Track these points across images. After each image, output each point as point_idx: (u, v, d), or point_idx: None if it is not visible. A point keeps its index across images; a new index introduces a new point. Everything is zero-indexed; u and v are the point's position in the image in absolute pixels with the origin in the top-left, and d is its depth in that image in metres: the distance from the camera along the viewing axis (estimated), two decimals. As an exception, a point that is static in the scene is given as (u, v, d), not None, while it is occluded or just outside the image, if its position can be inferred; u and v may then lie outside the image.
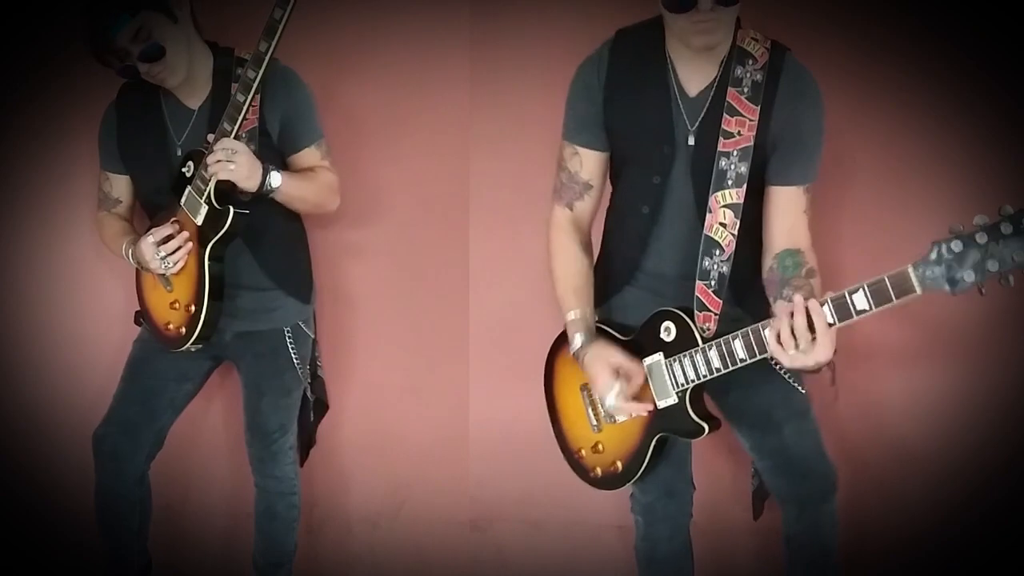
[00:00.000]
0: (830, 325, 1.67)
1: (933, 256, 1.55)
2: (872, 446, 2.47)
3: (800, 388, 2.05)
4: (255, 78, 2.05)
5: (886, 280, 1.60)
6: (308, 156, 2.32)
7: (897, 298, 1.59)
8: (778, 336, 1.71)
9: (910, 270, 1.57)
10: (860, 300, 1.63)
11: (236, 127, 2.10)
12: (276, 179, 2.18)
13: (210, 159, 2.11)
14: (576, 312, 2.02)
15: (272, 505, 2.50)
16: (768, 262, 1.93)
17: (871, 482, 2.47)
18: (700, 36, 1.82)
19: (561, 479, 2.17)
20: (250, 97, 2.07)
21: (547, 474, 2.21)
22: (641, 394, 1.97)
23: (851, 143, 2.36)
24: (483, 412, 2.71)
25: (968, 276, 1.52)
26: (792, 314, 1.69)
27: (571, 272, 2.06)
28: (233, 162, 2.10)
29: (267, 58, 2.02)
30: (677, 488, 2.15)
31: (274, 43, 2.01)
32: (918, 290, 1.57)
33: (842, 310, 1.66)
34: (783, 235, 1.92)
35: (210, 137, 2.16)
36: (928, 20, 2.31)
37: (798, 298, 1.69)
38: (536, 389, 2.19)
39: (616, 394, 1.94)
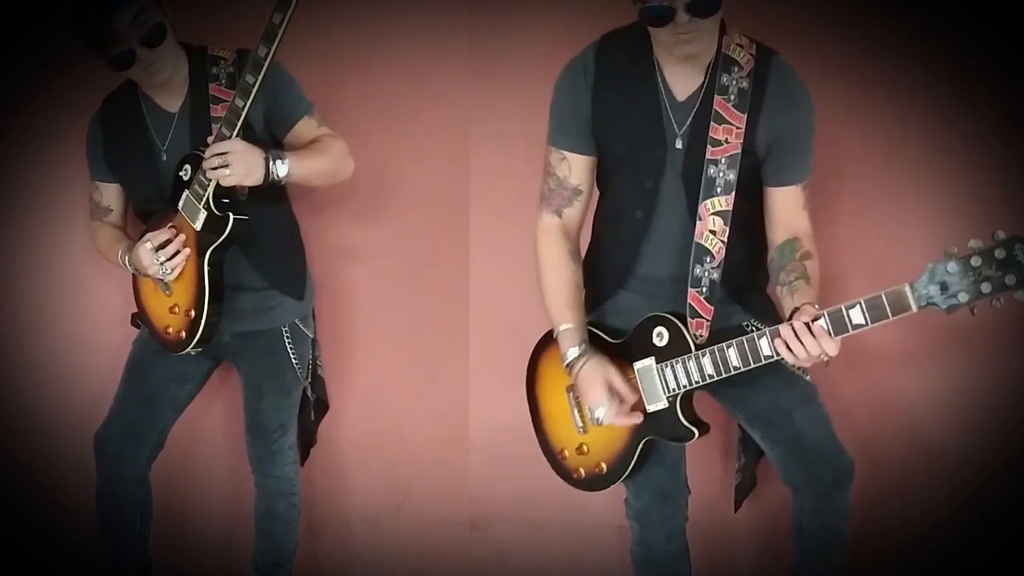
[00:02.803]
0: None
1: (929, 277, 1.62)
2: (871, 445, 2.47)
3: (805, 376, 2.06)
4: (254, 83, 2.03)
5: (883, 297, 1.66)
6: (305, 128, 2.29)
7: (893, 315, 1.66)
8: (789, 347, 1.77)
9: (907, 289, 1.64)
10: (857, 315, 1.69)
11: (235, 132, 2.09)
12: (283, 168, 2.13)
13: (206, 165, 2.09)
14: (569, 324, 2.02)
15: (272, 505, 2.50)
16: (770, 255, 1.98)
17: (872, 481, 2.46)
18: (680, 47, 1.84)
19: (561, 479, 2.16)
20: (249, 102, 2.06)
21: (547, 474, 2.21)
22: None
23: (850, 143, 2.36)
24: (483, 412, 2.71)
25: (962, 297, 1.60)
26: (797, 340, 1.74)
27: (561, 283, 2.06)
28: (228, 164, 2.07)
29: (267, 63, 2.00)
30: (671, 492, 2.15)
31: (274, 48, 1.99)
32: (914, 308, 1.64)
33: (838, 324, 1.71)
34: (784, 230, 1.97)
35: (210, 139, 2.15)
36: (928, 20, 2.30)
37: (798, 325, 1.73)
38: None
39: (606, 411, 1.95)
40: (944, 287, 1.61)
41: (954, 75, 2.31)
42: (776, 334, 1.78)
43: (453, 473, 2.74)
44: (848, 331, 1.70)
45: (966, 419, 2.40)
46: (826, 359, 1.75)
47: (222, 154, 2.07)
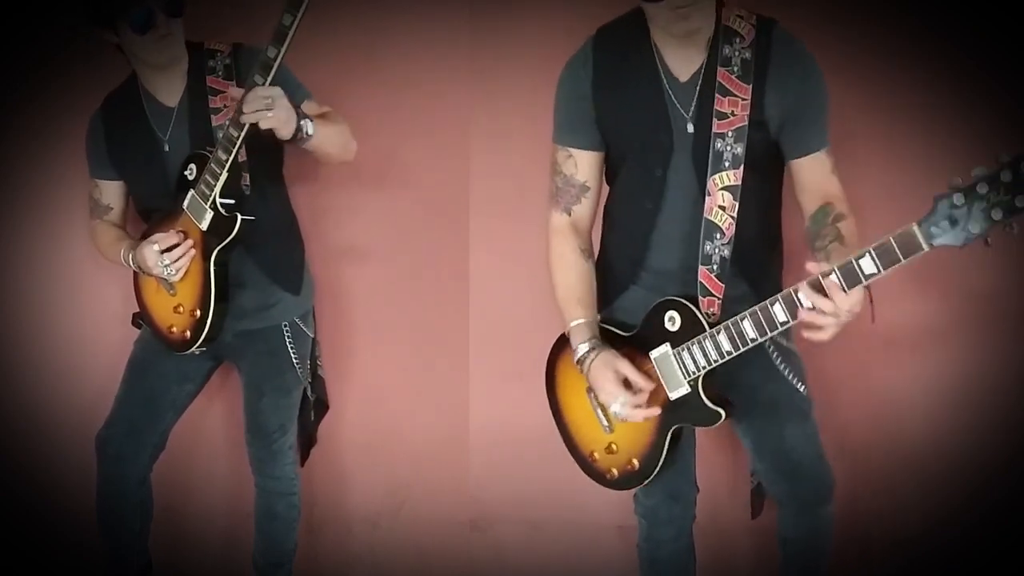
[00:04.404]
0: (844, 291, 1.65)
1: (937, 212, 1.53)
2: (872, 445, 2.47)
3: (801, 388, 2.04)
4: (264, 84, 2.02)
5: (892, 241, 1.58)
6: (308, 109, 2.25)
7: (904, 258, 1.57)
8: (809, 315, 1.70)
9: (915, 228, 1.55)
10: (868, 265, 1.61)
11: (243, 132, 2.07)
12: (311, 127, 2.12)
13: (246, 107, 2.03)
14: (579, 320, 2.00)
15: (272, 505, 2.50)
16: (806, 225, 1.92)
17: (870, 481, 2.47)
18: (679, 23, 1.81)
19: (561, 479, 2.17)
20: None
21: (547, 474, 2.22)
22: (652, 391, 1.94)
23: (853, 142, 2.35)
24: (483, 412, 2.71)
25: (973, 227, 1.50)
26: (812, 306, 1.67)
27: (572, 280, 2.03)
28: (272, 108, 2.02)
29: (276, 64, 1.99)
30: (681, 491, 2.14)
31: (283, 49, 1.98)
32: (925, 247, 1.55)
33: (850, 276, 1.63)
34: (816, 198, 1.91)
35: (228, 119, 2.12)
36: (928, 20, 2.31)
37: (804, 293, 1.68)
38: (536, 389, 2.18)
39: (622, 404, 1.92)
40: (954, 221, 1.50)
41: (954, 75, 2.31)
42: (789, 299, 1.71)
43: (453, 473, 2.74)
44: (862, 281, 1.61)
45: (967, 418, 2.40)
46: (848, 317, 1.66)
47: (270, 98, 2.02)
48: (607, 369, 1.93)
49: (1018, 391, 2.37)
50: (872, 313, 1.70)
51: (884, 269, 1.60)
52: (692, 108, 1.90)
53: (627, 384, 1.93)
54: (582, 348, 1.98)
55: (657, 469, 2.01)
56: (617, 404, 1.93)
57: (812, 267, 1.68)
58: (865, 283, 1.62)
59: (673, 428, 1.97)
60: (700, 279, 1.92)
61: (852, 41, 2.34)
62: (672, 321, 1.92)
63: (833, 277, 1.64)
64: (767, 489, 2.13)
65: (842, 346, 1.73)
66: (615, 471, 2.06)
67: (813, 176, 1.92)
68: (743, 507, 2.38)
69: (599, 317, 2.06)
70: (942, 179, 2.31)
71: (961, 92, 2.31)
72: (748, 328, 1.80)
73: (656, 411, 1.93)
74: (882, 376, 2.46)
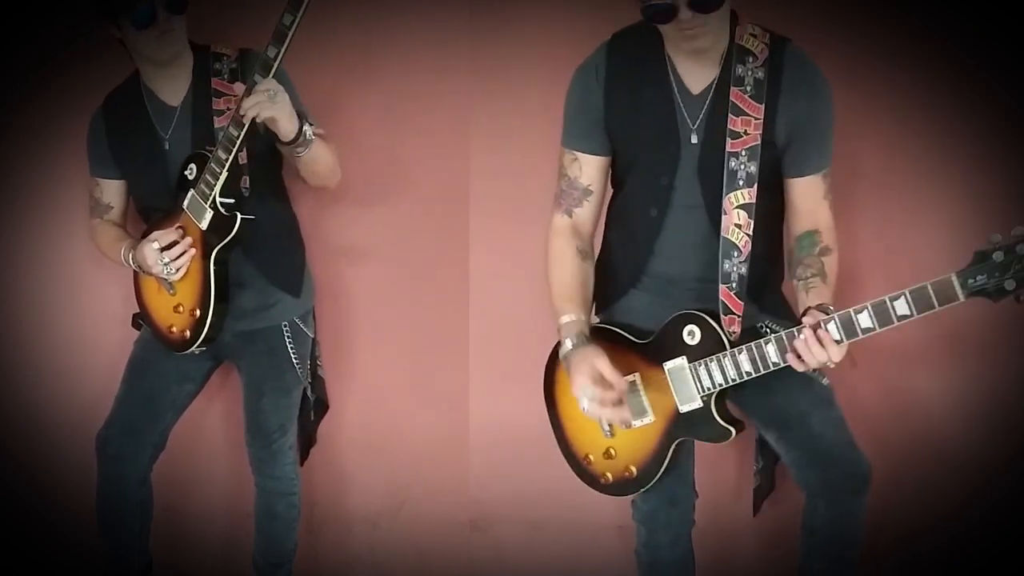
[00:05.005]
0: (868, 330, 1.72)
1: (976, 265, 1.61)
2: (872, 444, 2.46)
3: (822, 379, 2.03)
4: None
5: (929, 287, 1.65)
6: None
7: (940, 305, 1.65)
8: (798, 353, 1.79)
9: (954, 278, 1.63)
10: (902, 306, 1.68)
11: (243, 132, 2.07)
12: (311, 131, 2.12)
13: (248, 101, 2.02)
14: (569, 316, 2.00)
15: (272, 505, 2.51)
16: (790, 246, 1.97)
17: (884, 480, 2.46)
18: (687, 42, 1.84)
19: (561, 480, 2.16)
20: None
21: (547, 475, 2.21)
22: (661, 399, 1.95)
23: (852, 144, 2.35)
24: (483, 412, 2.71)
25: (1009, 285, 1.59)
26: (808, 346, 1.75)
27: (566, 278, 2.04)
28: (275, 101, 2.02)
29: (276, 64, 2.00)
30: (679, 496, 2.13)
31: (283, 49, 1.98)
32: (961, 297, 1.63)
33: (883, 316, 1.70)
34: (804, 221, 1.95)
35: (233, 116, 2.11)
36: (928, 20, 2.31)
37: (807, 334, 1.75)
38: (537, 389, 2.18)
39: (590, 399, 1.91)
40: (990, 275, 1.59)
41: (954, 75, 2.31)
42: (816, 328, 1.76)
43: (453, 473, 2.74)
44: (894, 322, 1.69)
45: (966, 419, 2.40)
46: (832, 365, 1.75)
47: (273, 91, 2.02)
48: (584, 363, 1.92)
49: (1018, 391, 2.37)
50: (853, 358, 1.76)
51: (917, 313, 1.67)
52: (700, 120, 1.91)
53: (606, 384, 1.91)
54: (568, 344, 1.98)
55: (656, 479, 2.01)
56: (585, 400, 1.92)
57: (814, 313, 1.75)
58: (896, 324, 1.69)
59: (678, 440, 1.97)
60: (721, 298, 1.92)
61: (852, 42, 2.34)
62: (691, 335, 1.92)
63: (865, 314, 1.70)
64: (798, 481, 2.06)
65: (855, 349, 1.74)
66: (610, 476, 2.06)
67: (805, 198, 1.95)
68: (744, 509, 2.39)
69: (598, 319, 2.06)
70: (941, 180, 2.34)
71: (961, 92, 2.31)
72: (771, 352, 1.83)
73: (627, 416, 1.94)
74: (882, 376, 2.45)
